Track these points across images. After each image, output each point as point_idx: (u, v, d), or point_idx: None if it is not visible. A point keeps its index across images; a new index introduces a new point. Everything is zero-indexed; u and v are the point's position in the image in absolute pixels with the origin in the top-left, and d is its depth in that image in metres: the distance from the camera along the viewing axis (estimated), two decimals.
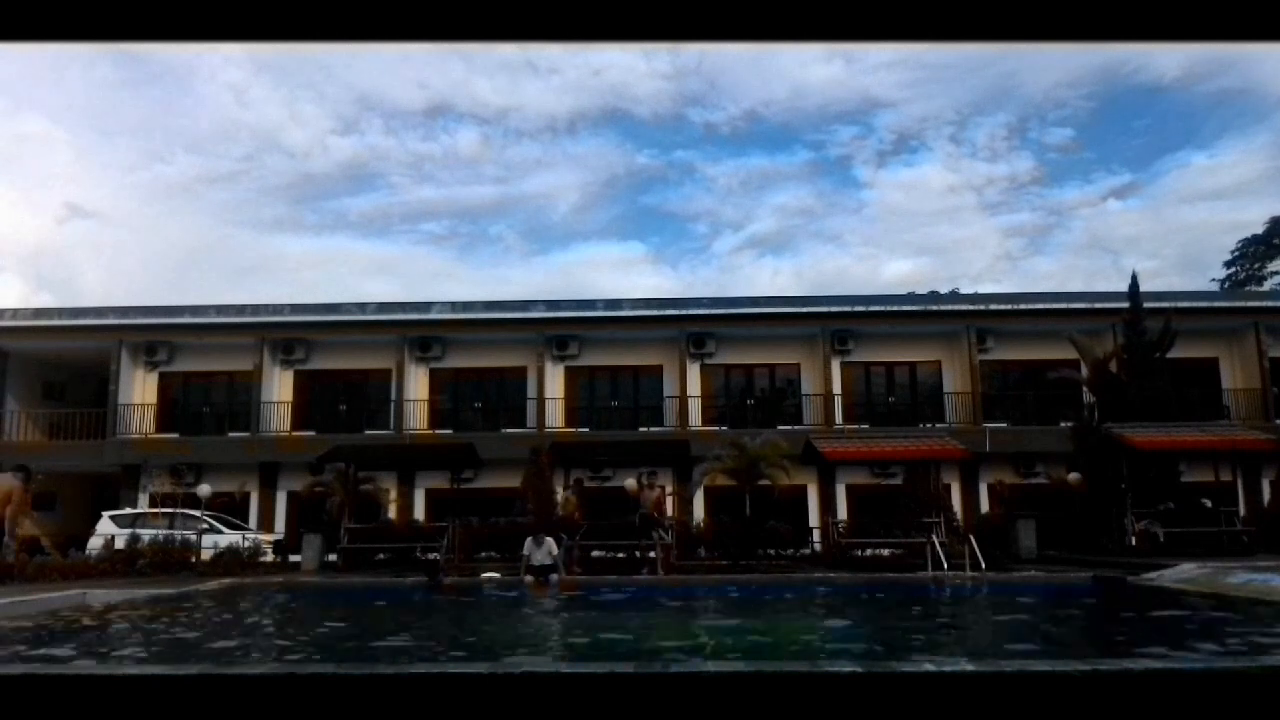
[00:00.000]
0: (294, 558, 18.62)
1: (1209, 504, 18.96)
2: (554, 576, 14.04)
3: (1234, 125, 67.01)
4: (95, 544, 18.73)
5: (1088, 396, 22.11)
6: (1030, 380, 24.76)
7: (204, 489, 20.33)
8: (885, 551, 17.91)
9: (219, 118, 64.14)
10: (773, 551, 18.88)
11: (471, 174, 72.15)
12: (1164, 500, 18.61)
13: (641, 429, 25.26)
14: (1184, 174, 67.90)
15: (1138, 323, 20.86)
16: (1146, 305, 21.37)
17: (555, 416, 25.04)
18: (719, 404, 25.85)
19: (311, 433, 24.42)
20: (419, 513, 23.72)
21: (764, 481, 18.60)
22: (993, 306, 25.42)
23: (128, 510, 22.21)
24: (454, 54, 65.39)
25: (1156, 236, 68.76)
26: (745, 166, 74.11)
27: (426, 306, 25.62)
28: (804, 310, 25.35)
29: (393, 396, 24.98)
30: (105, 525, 20.59)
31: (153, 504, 21.77)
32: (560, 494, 18.10)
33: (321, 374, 26.28)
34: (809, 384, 25.57)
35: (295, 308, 25.70)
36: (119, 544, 18.02)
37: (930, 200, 69.17)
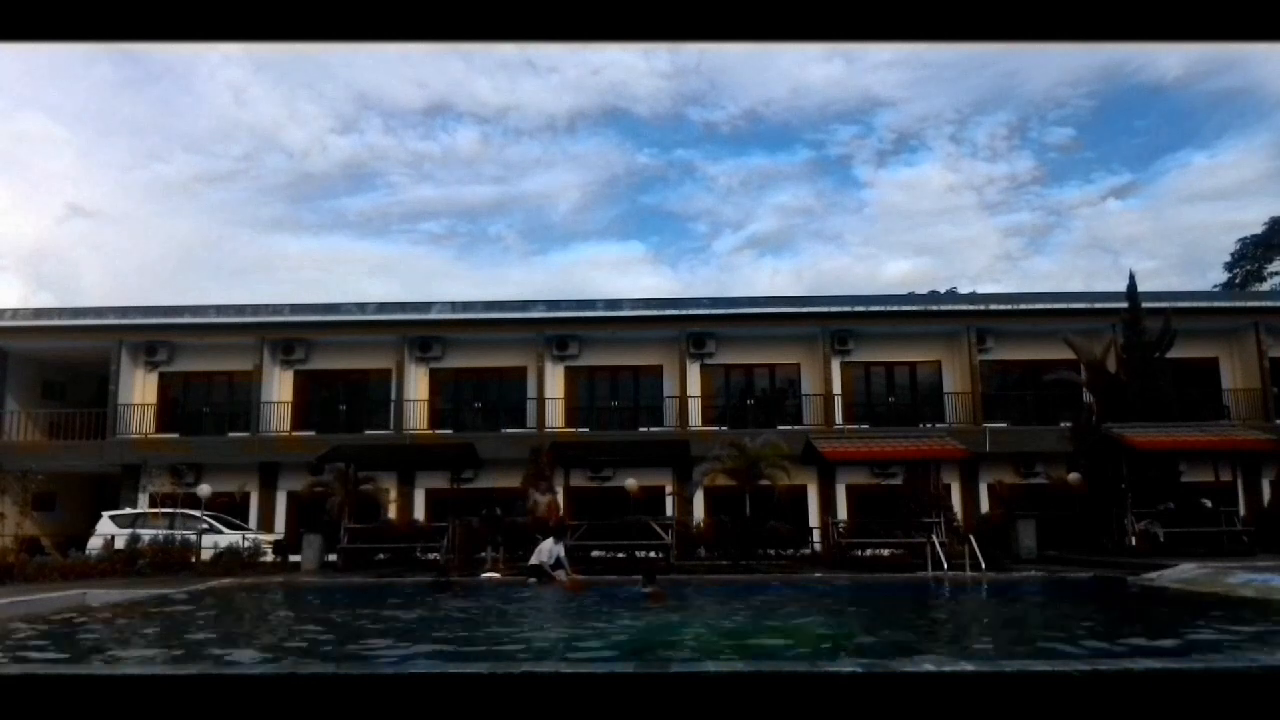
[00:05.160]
0: (294, 558, 18.63)
1: (1209, 504, 18.96)
2: (531, 581, 14.11)
3: (1234, 125, 67.01)
4: (95, 544, 18.74)
5: (1087, 396, 22.11)
6: (1030, 380, 24.74)
7: (204, 489, 20.33)
8: (885, 551, 17.91)
9: (218, 117, 64.17)
10: (773, 551, 18.89)
11: (471, 173, 72.17)
12: (1164, 500, 18.61)
13: (641, 429, 25.26)
14: (1184, 174, 67.93)
15: (1137, 323, 20.85)
16: (1147, 305, 21.36)
17: (555, 416, 25.04)
18: (719, 404, 25.85)
19: (311, 433, 24.42)
20: (419, 513, 23.73)
21: (764, 481, 18.61)
22: (993, 306, 25.41)
23: (128, 510, 22.21)
24: (454, 54, 65.39)
25: (1156, 236, 68.79)
26: (745, 166, 74.13)
27: (426, 306, 25.62)
28: (804, 310, 25.35)
29: (393, 396, 24.98)
30: (105, 525, 20.59)
31: (153, 504, 21.77)
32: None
33: (321, 374, 26.28)
34: (809, 384, 25.56)
35: (295, 308, 25.70)
36: (119, 544, 18.04)
37: (930, 200, 69.21)
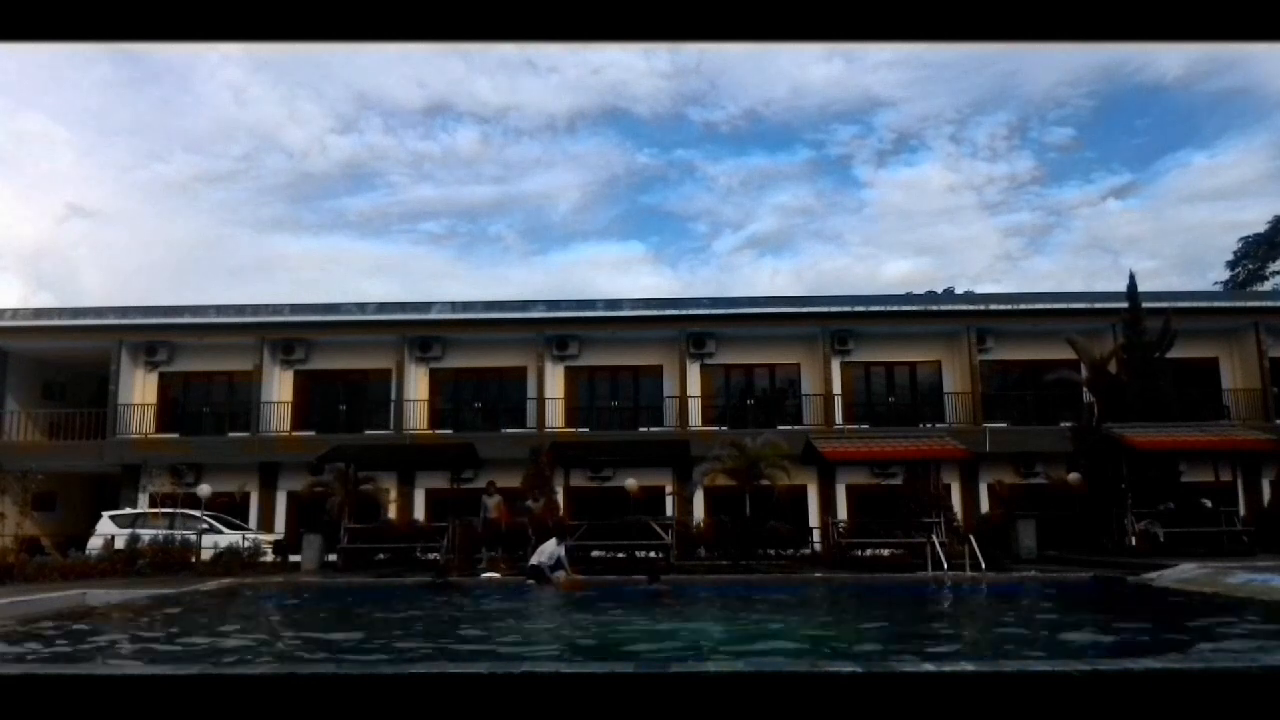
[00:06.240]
0: (294, 558, 18.63)
1: (1209, 504, 18.96)
2: (530, 582, 14.09)
3: (1234, 125, 66.94)
4: (95, 544, 18.74)
5: (1088, 396, 22.10)
6: (1030, 380, 24.73)
7: (204, 489, 20.33)
8: (885, 551, 17.91)
9: (217, 117, 64.11)
10: (773, 551, 18.89)
11: (471, 173, 72.11)
12: (1164, 500, 18.61)
13: (641, 429, 25.26)
14: (1184, 174, 67.87)
15: (1137, 323, 20.85)
16: (1147, 305, 21.35)
17: (555, 416, 25.04)
18: (719, 404, 25.85)
19: (311, 433, 24.42)
20: (419, 513, 23.72)
21: (764, 481, 18.61)
22: (993, 306, 25.41)
23: (128, 510, 22.21)
24: (454, 53, 65.40)
25: (1156, 236, 68.73)
26: (745, 166, 74.03)
27: (426, 306, 25.63)
28: (804, 310, 25.35)
29: (393, 396, 24.98)
30: (105, 525, 20.59)
31: (153, 504, 21.77)
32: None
33: (321, 374, 26.29)
34: (809, 384, 25.56)
35: (295, 308, 25.70)
36: (119, 544, 18.04)
37: (930, 200, 69.16)
